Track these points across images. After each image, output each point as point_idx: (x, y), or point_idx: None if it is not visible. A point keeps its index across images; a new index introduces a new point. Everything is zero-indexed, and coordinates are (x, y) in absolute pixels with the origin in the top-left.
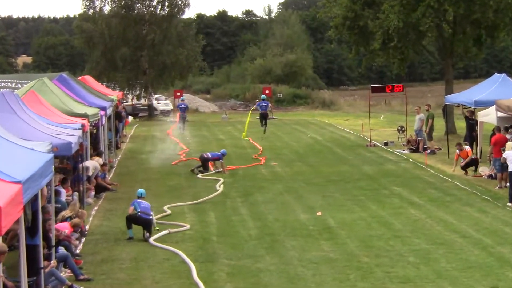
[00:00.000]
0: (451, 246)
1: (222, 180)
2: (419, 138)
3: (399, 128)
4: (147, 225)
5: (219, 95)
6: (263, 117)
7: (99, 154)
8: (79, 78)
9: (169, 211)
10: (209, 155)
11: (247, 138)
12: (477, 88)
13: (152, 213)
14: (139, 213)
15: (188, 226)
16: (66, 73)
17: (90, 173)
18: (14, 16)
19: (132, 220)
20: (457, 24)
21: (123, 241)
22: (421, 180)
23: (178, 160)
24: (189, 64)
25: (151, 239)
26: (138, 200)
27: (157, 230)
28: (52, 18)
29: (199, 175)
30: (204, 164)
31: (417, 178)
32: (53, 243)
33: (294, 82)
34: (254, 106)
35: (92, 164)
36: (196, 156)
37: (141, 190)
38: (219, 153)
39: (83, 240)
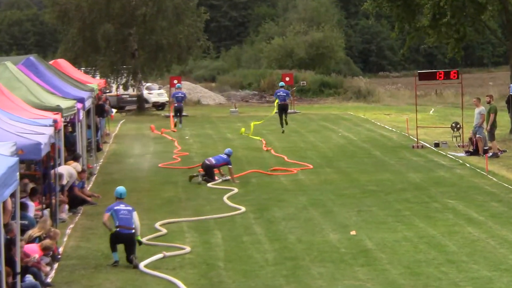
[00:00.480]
0: None
1: (235, 190)
2: (477, 136)
3: (453, 125)
4: (128, 243)
5: (227, 84)
6: (283, 110)
7: (75, 158)
8: (51, 62)
9: (164, 230)
10: (213, 161)
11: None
12: None
13: (134, 224)
14: (117, 228)
15: (188, 249)
16: (34, 56)
17: (64, 182)
18: None
19: (115, 238)
20: None
21: (106, 267)
22: (481, 191)
23: (168, 162)
24: (189, 44)
25: (141, 265)
26: (116, 207)
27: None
28: None
29: (208, 184)
30: (208, 172)
31: (476, 188)
32: (19, 269)
33: (321, 67)
34: (273, 97)
35: (67, 170)
36: (196, 160)
37: (120, 189)
38: (224, 156)
39: (55, 266)
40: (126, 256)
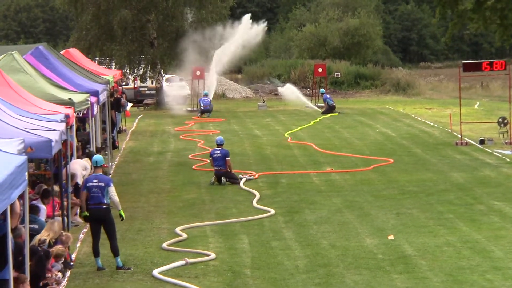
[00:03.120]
0: None
1: (257, 195)
2: None
3: (500, 120)
4: (103, 221)
5: (254, 75)
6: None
7: (89, 156)
8: (62, 52)
9: (184, 235)
10: (220, 168)
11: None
12: None
13: (111, 200)
14: (88, 207)
15: (212, 255)
16: (44, 45)
17: (78, 180)
18: None
19: (89, 218)
20: None
21: (123, 275)
22: None
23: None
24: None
25: (155, 272)
26: (89, 184)
27: (122, 220)
28: None
29: (241, 185)
30: (227, 177)
31: None
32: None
33: (357, 57)
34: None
35: (80, 165)
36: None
37: (96, 157)
38: (219, 153)
39: (68, 273)
40: (110, 246)
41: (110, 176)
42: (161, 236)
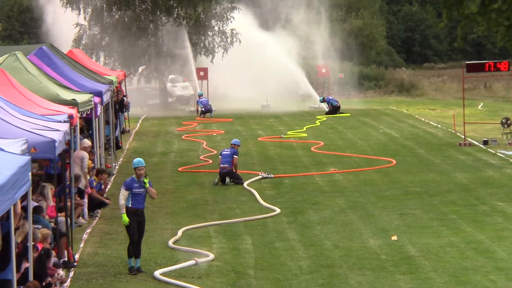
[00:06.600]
0: None
1: (256, 193)
2: None
3: (503, 120)
4: (139, 228)
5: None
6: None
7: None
8: (66, 52)
9: (179, 234)
10: (226, 165)
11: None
12: None
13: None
14: (130, 206)
15: (211, 256)
16: (47, 46)
17: (81, 184)
18: None
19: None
20: None
21: (126, 276)
22: None
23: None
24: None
25: (157, 273)
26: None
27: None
28: None
29: (245, 185)
30: (232, 176)
31: None
32: (31, 278)
33: (360, 58)
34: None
35: (78, 156)
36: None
37: (137, 160)
38: (228, 151)
39: (71, 273)
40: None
41: (113, 176)
42: (165, 236)
